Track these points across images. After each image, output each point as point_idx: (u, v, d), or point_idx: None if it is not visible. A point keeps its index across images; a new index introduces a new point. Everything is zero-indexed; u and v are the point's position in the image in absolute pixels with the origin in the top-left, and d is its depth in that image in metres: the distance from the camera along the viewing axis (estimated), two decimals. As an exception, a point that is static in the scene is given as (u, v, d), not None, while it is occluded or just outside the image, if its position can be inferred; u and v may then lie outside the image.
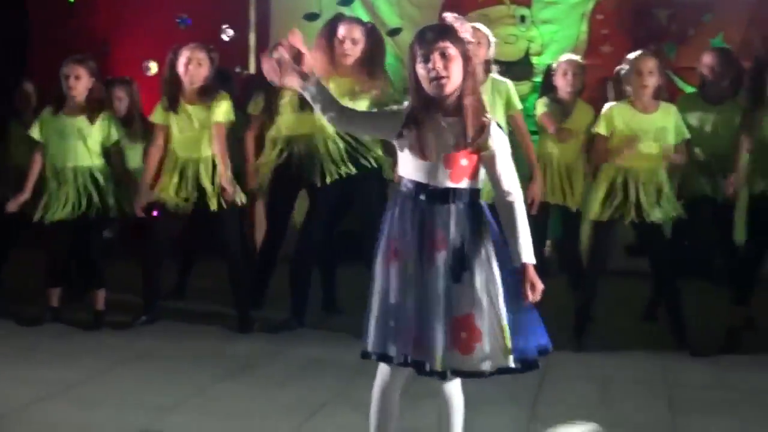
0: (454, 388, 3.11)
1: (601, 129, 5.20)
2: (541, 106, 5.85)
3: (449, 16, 2.98)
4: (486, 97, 5.02)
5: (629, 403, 4.45)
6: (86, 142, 5.60)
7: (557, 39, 7.63)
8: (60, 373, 4.69)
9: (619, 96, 5.27)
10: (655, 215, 5.14)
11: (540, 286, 2.96)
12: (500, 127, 3.04)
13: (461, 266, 2.93)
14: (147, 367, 4.90)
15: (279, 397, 4.35)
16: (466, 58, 2.94)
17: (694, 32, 7.53)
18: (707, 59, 5.72)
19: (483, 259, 2.96)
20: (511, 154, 3.05)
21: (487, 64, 5.21)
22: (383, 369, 3.07)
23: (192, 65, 5.47)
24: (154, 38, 8.00)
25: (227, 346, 5.35)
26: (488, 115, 2.98)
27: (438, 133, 2.94)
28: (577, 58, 6.03)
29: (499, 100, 5.19)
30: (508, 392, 4.35)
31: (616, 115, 5.15)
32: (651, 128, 5.13)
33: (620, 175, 5.16)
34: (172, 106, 5.53)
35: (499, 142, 2.98)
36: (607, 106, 5.25)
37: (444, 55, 2.90)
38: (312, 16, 7.86)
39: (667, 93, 5.31)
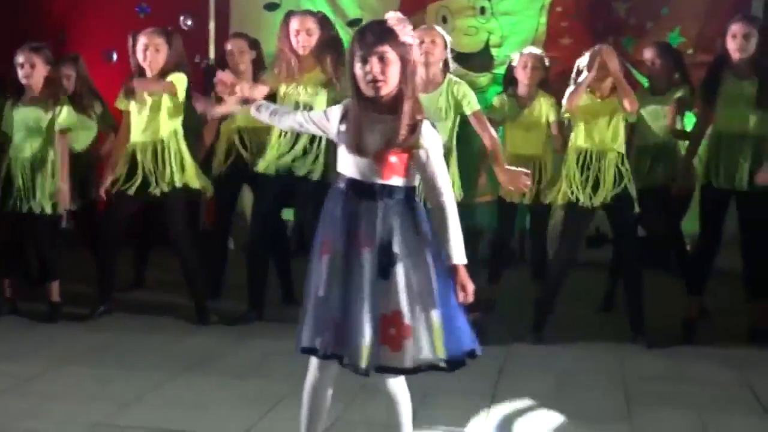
0: (397, 383, 3.10)
1: (564, 114, 5.35)
2: (490, 107, 5.89)
3: (392, 18, 2.99)
4: (441, 99, 5.05)
5: (587, 394, 4.48)
6: (43, 132, 5.52)
7: (517, 31, 7.66)
8: (15, 366, 4.64)
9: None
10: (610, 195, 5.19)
11: (471, 287, 2.98)
12: (434, 126, 3.04)
13: (388, 263, 2.93)
14: (105, 359, 4.87)
15: (238, 390, 4.34)
16: (405, 62, 2.95)
17: (652, 25, 7.60)
18: (647, 54, 5.91)
19: (415, 257, 2.96)
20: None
21: (445, 65, 5.17)
22: (313, 364, 3.08)
23: (150, 51, 5.39)
24: (112, 27, 7.93)
25: (186, 338, 5.33)
26: (421, 115, 2.99)
27: (370, 131, 2.97)
28: (539, 51, 6.06)
29: (453, 101, 5.14)
30: (467, 384, 4.36)
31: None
32: (606, 112, 5.22)
33: (582, 157, 5.23)
34: (130, 91, 5.48)
35: (430, 142, 2.99)
36: (568, 91, 5.29)
37: (382, 59, 2.92)
38: (271, 6, 7.85)
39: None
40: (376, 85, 2.93)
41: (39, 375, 4.53)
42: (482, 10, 7.75)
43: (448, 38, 5.23)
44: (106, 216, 5.69)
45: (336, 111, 3.09)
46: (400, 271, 2.93)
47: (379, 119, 2.97)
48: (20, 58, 5.48)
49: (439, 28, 5.24)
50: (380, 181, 2.97)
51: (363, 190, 2.98)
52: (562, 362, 4.99)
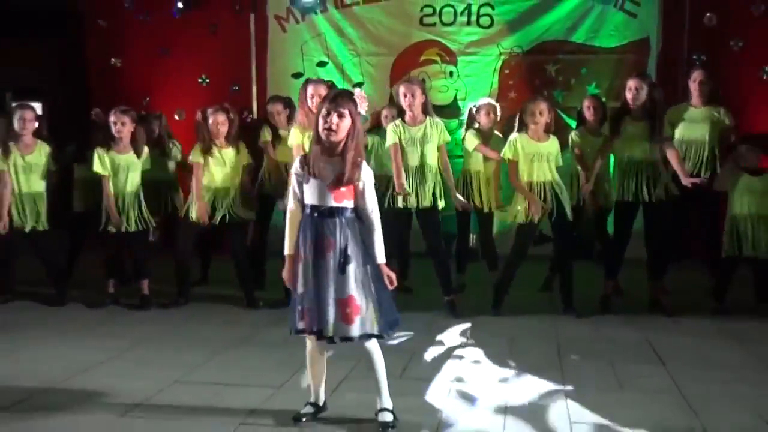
0: (372, 345, 3.26)
1: (508, 154, 5.32)
2: (473, 139, 5.91)
3: (358, 93, 3.24)
4: (426, 129, 5.21)
5: (530, 351, 4.55)
6: (134, 173, 5.63)
7: (476, 88, 7.72)
8: (116, 341, 4.73)
9: (521, 129, 5.38)
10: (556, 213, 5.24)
11: (393, 275, 3.22)
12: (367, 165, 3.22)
13: (344, 262, 3.14)
14: (181, 335, 4.94)
15: (276, 355, 4.41)
16: (354, 123, 3.16)
17: (575, 81, 7.67)
18: (587, 102, 5.92)
19: (359, 258, 3.17)
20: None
21: (425, 107, 5.31)
22: (308, 338, 3.28)
23: (221, 126, 5.54)
24: (181, 94, 8.06)
25: (239, 318, 5.39)
26: (361, 158, 3.20)
27: (326, 168, 3.17)
28: (493, 101, 6.17)
29: (435, 133, 5.27)
30: (445, 345, 4.47)
31: (518, 143, 5.28)
32: (543, 153, 5.25)
33: (532, 189, 5.26)
34: (208, 150, 5.56)
35: (366, 177, 3.20)
36: (512, 136, 5.36)
37: (340, 116, 3.13)
38: (297, 75, 7.95)
39: (554, 128, 5.40)
40: (329, 133, 3.12)
41: (133, 347, 4.62)
42: (451, 74, 7.87)
43: (427, 92, 5.36)
44: (182, 235, 5.74)
45: (295, 167, 3.24)
46: (351, 267, 3.14)
47: (331, 160, 3.17)
48: (113, 117, 5.56)
49: (421, 84, 5.39)
50: (336, 204, 3.16)
51: (324, 212, 3.17)
52: (512, 329, 5.05)
